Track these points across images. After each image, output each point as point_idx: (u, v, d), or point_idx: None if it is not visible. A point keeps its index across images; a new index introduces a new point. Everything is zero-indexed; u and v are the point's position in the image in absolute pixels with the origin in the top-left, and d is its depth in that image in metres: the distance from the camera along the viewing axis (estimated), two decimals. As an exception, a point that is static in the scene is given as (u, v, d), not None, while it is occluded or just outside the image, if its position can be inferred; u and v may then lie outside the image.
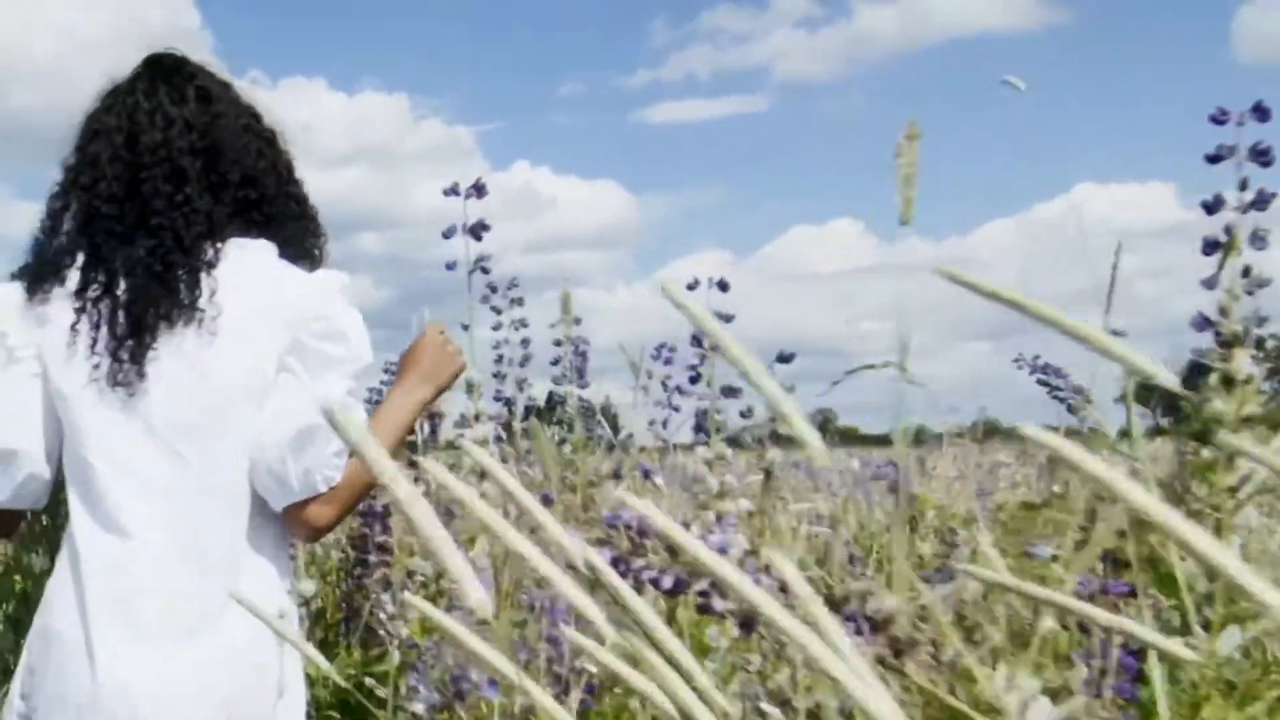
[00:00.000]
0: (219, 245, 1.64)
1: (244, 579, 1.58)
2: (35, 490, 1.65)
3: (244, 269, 1.64)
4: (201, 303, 1.60)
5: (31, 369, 1.62)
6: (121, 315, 1.60)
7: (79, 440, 1.60)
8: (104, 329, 1.60)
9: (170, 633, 1.54)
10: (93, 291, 1.62)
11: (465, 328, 1.89)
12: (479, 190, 1.86)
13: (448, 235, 1.85)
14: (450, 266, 1.85)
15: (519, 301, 2.14)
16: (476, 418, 1.90)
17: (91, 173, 1.65)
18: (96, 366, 1.59)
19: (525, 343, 2.19)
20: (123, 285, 1.61)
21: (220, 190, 1.67)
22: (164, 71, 1.70)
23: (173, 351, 1.59)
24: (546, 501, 1.62)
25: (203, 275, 1.61)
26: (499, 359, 2.18)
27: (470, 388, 1.90)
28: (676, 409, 1.97)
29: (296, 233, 1.74)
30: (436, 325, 1.80)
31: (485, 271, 1.89)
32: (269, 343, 1.61)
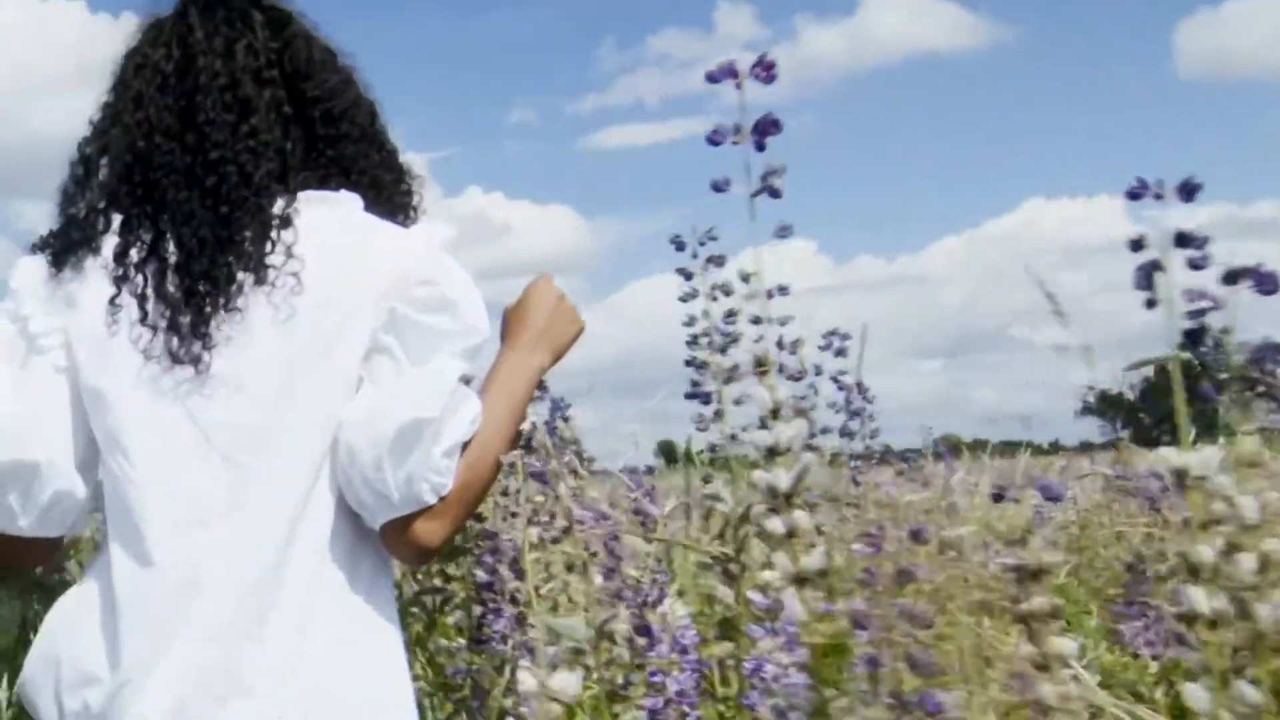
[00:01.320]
0: (294, 196, 1.33)
1: (322, 629, 1.24)
2: (67, 511, 1.32)
3: (324, 225, 1.32)
4: (273, 259, 1.27)
5: (57, 362, 1.31)
6: (173, 277, 1.29)
7: (116, 448, 1.27)
8: (152, 300, 1.29)
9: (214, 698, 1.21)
10: (136, 254, 1.31)
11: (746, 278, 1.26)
12: (767, 70, 1.22)
13: (716, 140, 1.18)
14: (719, 188, 1.17)
15: (717, 261, 1.41)
16: (775, 413, 1.18)
17: (136, 110, 1.34)
18: (145, 352, 1.27)
19: (730, 316, 1.37)
20: (172, 244, 1.30)
21: (294, 125, 1.37)
22: None
23: (237, 324, 1.27)
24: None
25: (275, 226, 1.30)
26: (694, 340, 1.44)
27: (761, 366, 1.22)
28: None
29: (385, 184, 1.43)
30: (548, 276, 1.47)
31: (775, 195, 1.17)
32: (360, 316, 1.29)
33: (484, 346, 1.33)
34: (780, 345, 1.26)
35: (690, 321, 1.41)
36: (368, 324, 1.28)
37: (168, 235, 1.30)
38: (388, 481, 1.24)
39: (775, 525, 1.06)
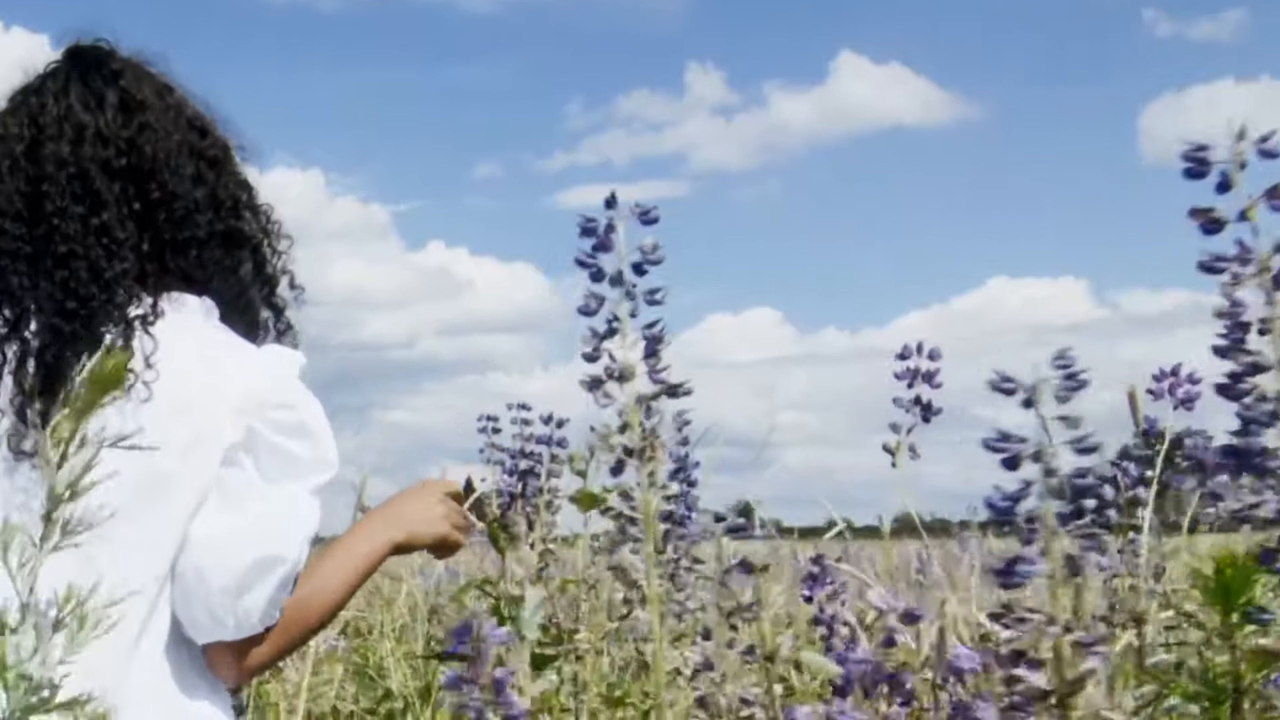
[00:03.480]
0: (155, 297, 1.30)
1: None
2: None
3: (183, 332, 1.31)
4: (134, 364, 1.25)
5: None
6: (32, 363, 1.27)
7: None
8: (7, 380, 1.28)
9: None
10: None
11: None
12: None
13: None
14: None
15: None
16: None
17: None
18: (6, 436, 1.26)
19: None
20: (34, 325, 1.28)
21: (148, 222, 1.33)
22: (83, 66, 1.38)
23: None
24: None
25: (136, 328, 1.27)
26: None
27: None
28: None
29: (246, 292, 1.40)
30: (440, 484, 1.50)
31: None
32: (215, 428, 1.28)
33: (335, 482, 1.36)
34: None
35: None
36: (224, 439, 1.27)
37: (30, 316, 1.29)
38: (230, 608, 1.25)
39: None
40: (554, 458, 1.94)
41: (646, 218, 0.99)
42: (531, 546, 1.78)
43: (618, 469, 0.85)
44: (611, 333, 0.92)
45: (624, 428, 0.86)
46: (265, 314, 1.43)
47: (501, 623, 1.32)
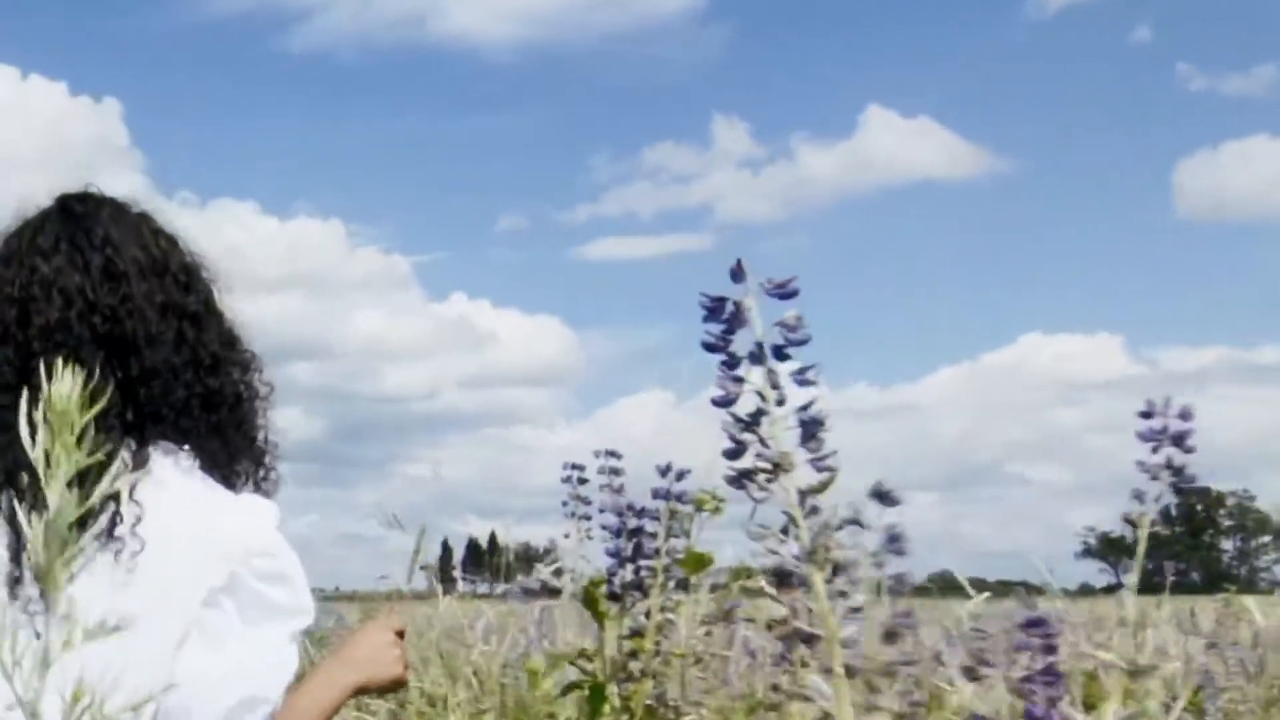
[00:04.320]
0: (138, 455, 1.34)
1: None
2: None
3: (165, 486, 1.35)
4: (120, 530, 1.29)
5: None
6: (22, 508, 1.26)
7: None
8: (3, 524, 1.30)
9: None
10: None
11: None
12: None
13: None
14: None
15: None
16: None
17: None
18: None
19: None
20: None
21: (132, 388, 1.37)
22: (71, 224, 1.41)
23: (80, 585, 1.26)
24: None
25: (122, 494, 1.29)
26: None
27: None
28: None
29: (221, 443, 1.43)
30: (388, 623, 1.58)
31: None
32: (200, 574, 1.32)
33: (308, 630, 1.45)
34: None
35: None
36: (207, 582, 1.32)
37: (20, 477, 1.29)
38: None
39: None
40: (673, 514, 1.68)
41: (784, 291, 0.90)
42: (647, 616, 1.59)
43: (782, 579, 0.75)
44: (758, 421, 0.83)
45: (786, 529, 0.77)
46: (244, 464, 1.47)
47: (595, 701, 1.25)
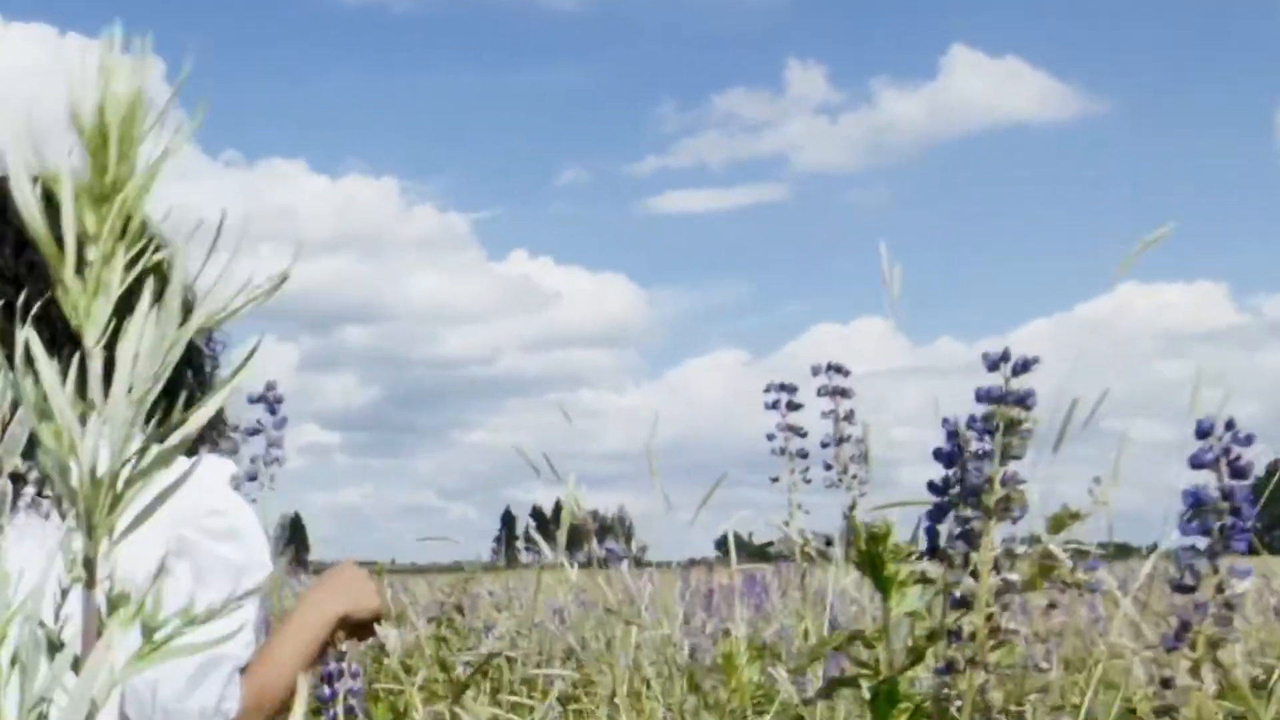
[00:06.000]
0: None
1: None
2: None
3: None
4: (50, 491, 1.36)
5: None
6: None
7: None
8: None
9: None
10: None
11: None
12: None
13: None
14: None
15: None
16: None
17: None
18: None
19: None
20: None
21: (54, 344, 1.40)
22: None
23: (12, 540, 1.30)
24: None
25: None
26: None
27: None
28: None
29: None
30: (352, 562, 1.66)
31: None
32: (148, 541, 1.33)
33: (268, 583, 1.48)
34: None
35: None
36: (158, 549, 1.29)
37: None
38: (187, 711, 1.35)
39: None
40: (1010, 425, 1.10)
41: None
42: (974, 576, 1.06)
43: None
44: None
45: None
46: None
47: (883, 703, 1.04)
